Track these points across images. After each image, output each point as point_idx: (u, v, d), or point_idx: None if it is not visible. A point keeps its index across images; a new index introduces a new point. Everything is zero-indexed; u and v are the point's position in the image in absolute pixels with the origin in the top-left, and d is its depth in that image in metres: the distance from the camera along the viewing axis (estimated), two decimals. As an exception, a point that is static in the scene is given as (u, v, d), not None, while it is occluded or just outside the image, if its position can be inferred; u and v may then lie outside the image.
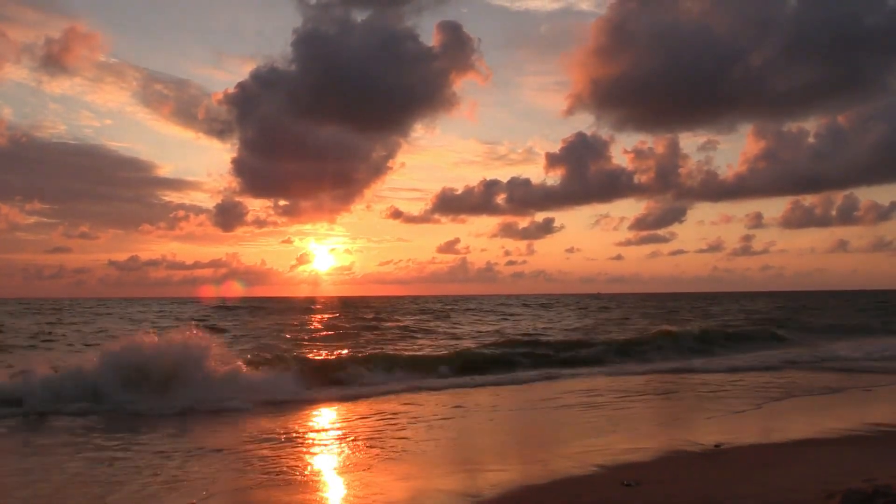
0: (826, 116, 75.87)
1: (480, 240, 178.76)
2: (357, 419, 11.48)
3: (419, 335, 30.37)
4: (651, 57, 58.79)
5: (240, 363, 14.80)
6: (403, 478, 7.57)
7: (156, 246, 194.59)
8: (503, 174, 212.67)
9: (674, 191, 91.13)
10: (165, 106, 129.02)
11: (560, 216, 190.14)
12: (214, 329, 32.48)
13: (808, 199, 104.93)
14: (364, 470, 7.94)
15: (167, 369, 13.34)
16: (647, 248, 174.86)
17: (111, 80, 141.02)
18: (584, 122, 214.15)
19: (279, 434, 10.16)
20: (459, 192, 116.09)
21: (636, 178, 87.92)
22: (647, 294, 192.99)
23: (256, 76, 64.09)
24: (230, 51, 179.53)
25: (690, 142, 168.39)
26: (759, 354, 22.71)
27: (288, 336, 29.22)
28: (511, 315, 50.04)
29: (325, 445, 9.48)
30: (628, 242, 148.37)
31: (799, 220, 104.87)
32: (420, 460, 8.47)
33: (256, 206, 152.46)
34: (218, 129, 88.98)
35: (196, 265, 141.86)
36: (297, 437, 9.93)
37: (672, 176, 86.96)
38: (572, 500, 6.40)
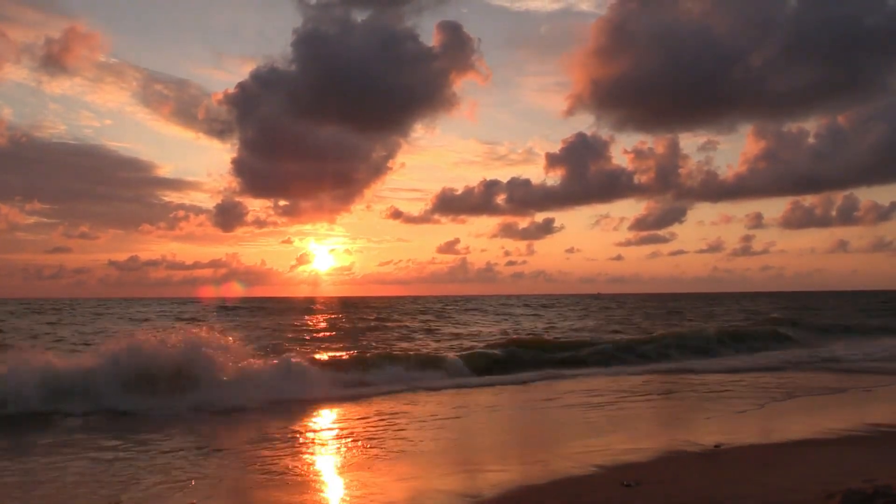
0: (826, 117, 75.93)
1: (480, 240, 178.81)
2: (357, 419, 11.49)
3: (422, 335, 30.38)
4: (651, 57, 58.86)
5: (244, 363, 14.78)
6: (403, 478, 7.57)
7: (156, 246, 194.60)
8: (503, 174, 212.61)
9: (674, 191, 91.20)
10: (165, 106, 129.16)
11: (560, 216, 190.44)
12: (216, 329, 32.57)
13: (809, 200, 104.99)
14: (364, 470, 7.94)
15: (171, 370, 13.36)
16: (647, 249, 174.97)
17: (111, 81, 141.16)
18: (585, 123, 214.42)
19: (280, 434, 10.16)
20: (459, 192, 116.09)
21: (636, 179, 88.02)
22: (647, 294, 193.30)
23: (256, 76, 64.22)
24: (230, 51, 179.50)
25: (690, 142, 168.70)
26: (761, 355, 22.77)
27: (290, 336, 29.21)
28: (513, 315, 50.06)
29: (326, 445, 9.49)
30: (628, 243, 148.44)
31: (799, 221, 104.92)
32: (420, 460, 8.47)
33: (256, 206, 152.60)
34: (218, 130, 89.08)
35: (196, 265, 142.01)
36: (297, 437, 9.93)
37: (672, 176, 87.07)
38: (572, 501, 6.40)
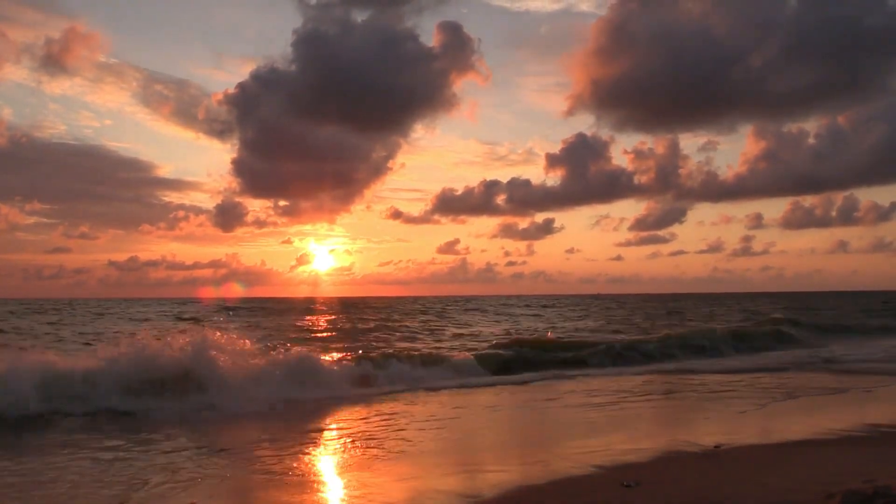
0: (826, 117, 75.91)
1: (480, 240, 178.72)
2: (357, 419, 11.49)
3: (425, 335, 30.38)
4: (651, 58, 58.88)
5: (248, 365, 14.78)
6: (403, 478, 7.57)
7: (156, 246, 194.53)
8: (503, 175, 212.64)
9: (674, 191, 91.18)
10: (165, 106, 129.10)
11: (560, 217, 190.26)
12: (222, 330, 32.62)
13: (809, 200, 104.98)
14: (364, 470, 7.95)
15: (177, 371, 13.41)
16: (648, 249, 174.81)
17: (111, 81, 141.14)
18: (585, 123, 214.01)
19: (281, 434, 10.18)
20: (459, 192, 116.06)
21: (636, 179, 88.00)
22: (647, 295, 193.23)
23: (256, 76, 64.25)
24: (230, 51, 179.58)
25: (690, 142, 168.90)
26: (762, 355, 22.80)
27: (293, 336, 29.20)
28: (514, 315, 50.09)
29: (326, 445, 9.49)
30: (628, 243, 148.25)
31: (799, 221, 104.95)
32: (420, 460, 8.47)
33: (256, 206, 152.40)
34: (218, 130, 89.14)
35: (196, 266, 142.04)
36: (298, 437, 9.94)
37: (672, 176, 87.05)
38: (572, 501, 6.40)
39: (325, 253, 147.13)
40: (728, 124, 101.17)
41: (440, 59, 63.47)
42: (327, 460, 8.65)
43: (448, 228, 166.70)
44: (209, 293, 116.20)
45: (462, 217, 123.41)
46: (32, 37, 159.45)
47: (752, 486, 6.64)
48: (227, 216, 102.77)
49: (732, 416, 11.46)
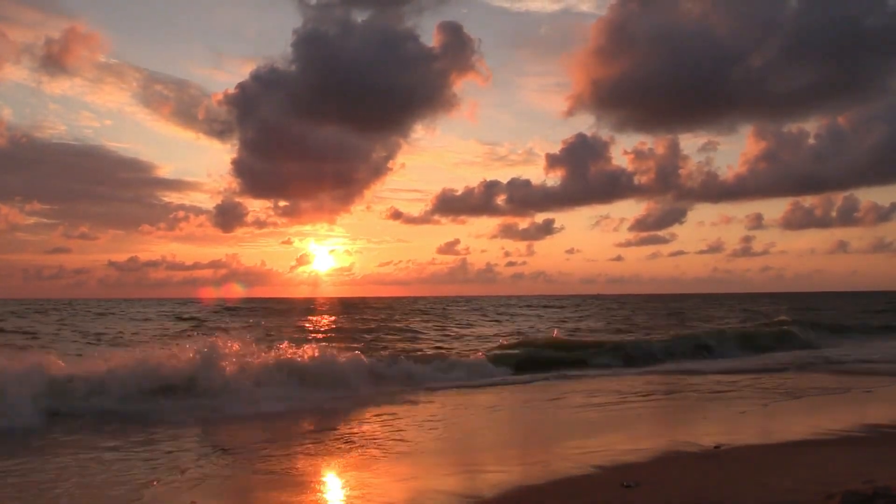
0: (826, 117, 75.63)
1: (480, 241, 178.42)
2: (358, 419, 11.50)
3: (428, 335, 30.39)
4: (651, 58, 58.82)
5: (252, 366, 14.81)
6: (403, 478, 7.58)
7: (156, 247, 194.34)
8: (503, 175, 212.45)
9: (674, 192, 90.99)
10: (165, 106, 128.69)
11: (560, 217, 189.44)
12: (220, 329, 32.72)
13: (809, 201, 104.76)
14: (364, 470, 7.95)
15: (184, 375, 13.51)
16: (648, 249, 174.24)
17: (111, 81, 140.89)
18: (585, 123, 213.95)
19: (282, 435, 10.19)
20: (459, 192, 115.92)
21: (636, 179, 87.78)
22: (647, 295, 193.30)
23: (256, 77, 64.12)
24: (230, 51, 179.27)
25: (691, 143, 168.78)
26: (765, 356, 22.81)
27: (297, 336, 29.19)
28: (516, 315, 50.10)
29: (326, 445, 9.49)
30: (628, 243, 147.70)
31: (799, 222, 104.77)
32: (420, 461, 8.48)
33: (256, 206, 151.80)
34: (218, 130, 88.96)
35: (196, 266, 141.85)
36: (298, 438, 9.95)
37: (672, 177, 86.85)
38: (572, 502, 6.41)
39: (325, 253, 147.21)
40: (728, 124, 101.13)
41: (440, 60, 63.47)
42: (327, 460, 8.65)
43: (448, 229, 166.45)
44: (209, 293, 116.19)
45: (462, 217, 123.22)
46: (32, 37, 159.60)
47: (752, 486, 6.64)
48: (227, 216, 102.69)
49: (733, 416, 11.46)
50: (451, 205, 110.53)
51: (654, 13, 60.08)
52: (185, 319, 43.07)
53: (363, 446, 9.27)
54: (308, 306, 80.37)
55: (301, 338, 28.46)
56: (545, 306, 73.79)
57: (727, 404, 12.75)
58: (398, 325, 38.17)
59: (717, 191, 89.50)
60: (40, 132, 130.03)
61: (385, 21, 62.74)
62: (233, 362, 14.28)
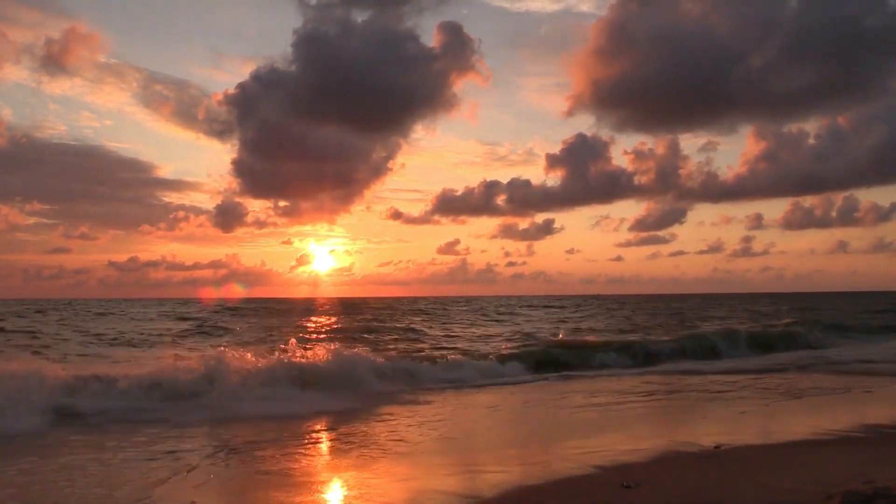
0: (826, 117, 75.41)
1: (480, 241, 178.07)
2: (358, 419, 11.51)
3: (429, 336, 30.37)
4: (651, 58, 58.72)
5: (255, 368, 14.83)
6: (403, 479, 7.59)
7: (156, 247, 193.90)
8: (503, 175, 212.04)
9: (674, 192, 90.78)
10: (165, 106, 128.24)
11: (560, 217, 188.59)
12: (223, 328, 32.83)
13: (809, 201, 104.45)
14: (364, 470, 7.96)
15: (188, 376, 13.67)
16: (648, 250, 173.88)
17: (111, 81, 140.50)
18: (585, 123, 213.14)
19: (282, 435, 10.19)
20: (459, 193, 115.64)
21: (636, 180, 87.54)
22: (647, 295, 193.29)
23: (257, 77, 63.94)
24: (230, 51, 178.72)
25: (691, 143, 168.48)
26: (768, 356, 22.81)
27: (298, 337, 29.17)
28: (518, 315, 50.08)
29: (326, 446, 9.51)
30: (628, 244, 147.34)
31: (799, 222, 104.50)
32: (420, 461, 8.49)
33: (256, 206, 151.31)
34: (218, 130, 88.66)
35: (196, 266, 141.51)
36: (299, 438, 9.96)
37: (672, 177, 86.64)
38: (572, 502, 6.41)
39: (325, 253, 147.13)
40: (728, 125, 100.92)
41: (440, 60, 63.37)
42: (328, 460, 8.67)
43: (448, 229, 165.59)
44: (209, 294, 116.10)
45: (462, 217, 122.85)
46: (32, 37, 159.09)
47: (752, 486, 6.65)
48: (227, 217, 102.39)
49: (733, 416, 11.47)
50: (452, 205, 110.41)
51: (654, 13, 60.06)
52: (186, 319, 43.09)
53: (363, 446, 9.28)
54: (308, 306, 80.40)
55: (302, 338, 28.47)
56: (546, 306, 73.75)
57: (727, 404, 12.76)
58: (399, 325, 38.17)
59: (717, 191, 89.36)
60: (40, 132, 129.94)
61: (385, 21, 62.72)
62: (236, 364, 14.30)
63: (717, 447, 8.72)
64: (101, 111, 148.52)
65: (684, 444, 8.94)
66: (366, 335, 30.67)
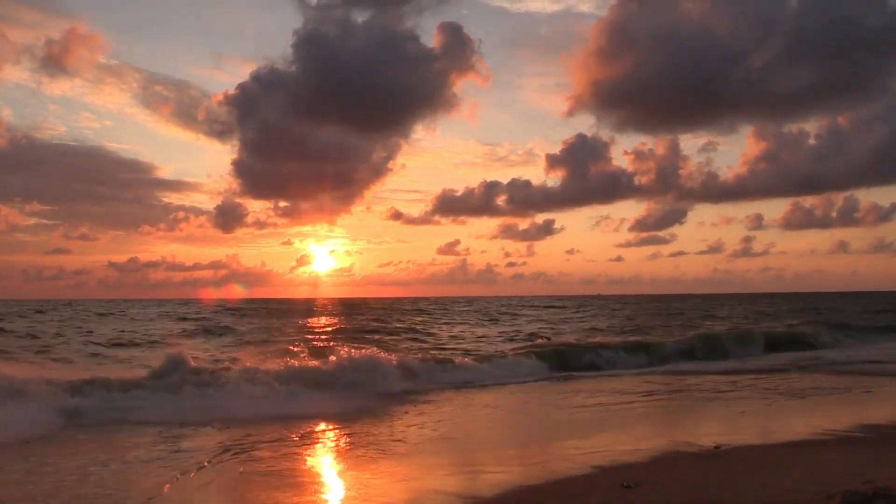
0: (826, 118, 75.33)
1: (480, 241, 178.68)
2: (358, 420, 11.51)
3: (430, 336, 30.37)
4: (651, 58, 58.65)
5: (260, 370, 14.84)
6: (403, 479, 7.60)
7: (156, 247, 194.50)
8: (503, 175, 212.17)
9: (674, 192, 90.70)
10: (165, 107, 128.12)
11: (560, 217, 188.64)
12: (225, 328, 32.91)
13: (809, 201, 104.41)
14: (364, 470, 7.97)
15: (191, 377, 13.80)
16: (648, 250, 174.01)
17: (111, 82, 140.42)
18: (585, 124, 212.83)
19: (283, 435, 10.19)
20: (460, 193, 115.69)
21: (636, 180, 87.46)
22: (648, 296, 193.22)
23: (257, 77, 63.86)
24: (230, 52, 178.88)
25: (691, 143, 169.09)
26: (770, 357, 22.79)
27: (298, 337, 29.20)
28: (520, 316, 50.06)
29: (326, 446, 9.52)
30: (628, 244, 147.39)
31: (799, 222, 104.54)
32: (420, 461, 8.50)
33: (256, 207, 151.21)
34: (218, 131, 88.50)
35: (196, 267, 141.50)
36: (300, 439, 9.96)
37: (672, 177, 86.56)
38: (572, 502, 6.42)
39: (325, 254, 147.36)
40: (728, 125, 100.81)
41: (440, 60, 63.28)
42: (328, 461, 8.68)
43: (448, 229, 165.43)
44: (209, 294, 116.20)
45: (462, 218, 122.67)
46: (32, 37, 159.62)
47: (752, 486, 6.65)
48: (228, 217, 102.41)
49: (733, 417, 11.46)
50: (452, 205, 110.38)
51: (655, 14, 60.01)
52: (187, 320, 43.10)
53: (364, 446, 9.28)
54: (309, 307, 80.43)
55: (305, 339, 28.49)
56: (548, 307, 73.74)
57: (727, 404, 12.76)
58: (400, 325, 38.18)
59: (718, 191, 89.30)
60: (40, 133, 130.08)
61: (385, 21, 62.64)
62: (239, 366, 14.34)
63: (717, 447, 8.72)
64: (101, 112, 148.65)
65: (684, 444, 8.94)
66: (367, 335, 30.69)
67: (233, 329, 33.49)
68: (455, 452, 9.20)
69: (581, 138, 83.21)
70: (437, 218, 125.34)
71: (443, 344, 26.49)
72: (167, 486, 7.25)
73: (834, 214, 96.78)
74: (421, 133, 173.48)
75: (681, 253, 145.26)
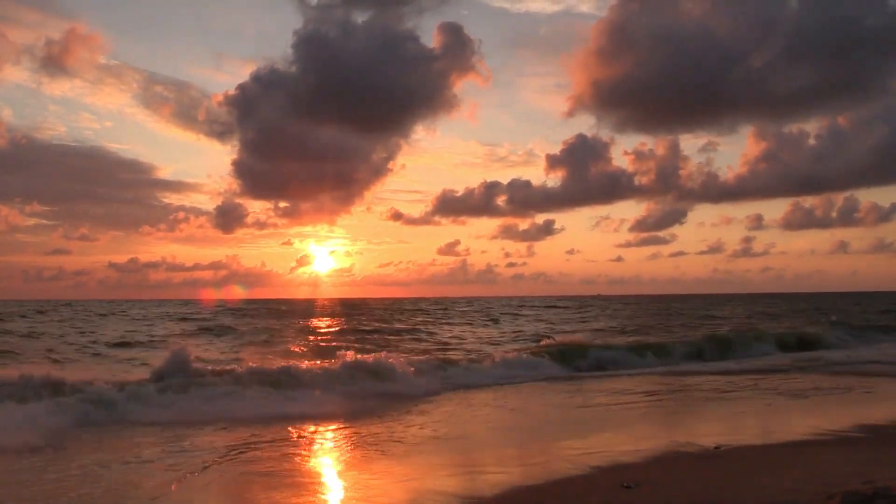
0: (826, 118, 75.47)
1: (481, 241, 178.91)
2: (358, 421, 11.53)
3: (431, 336, 30.38)
4: (652, 58, 58.70)
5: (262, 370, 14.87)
6: (403, 479, 7.61)
7: (156, 248, 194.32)
8: (503, 176, 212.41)
9: (674, 192, 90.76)
10: (166, 107, 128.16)
11: (560, 218, 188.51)
12: (225, 328, 32.93)
13: (809, 201, 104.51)
14: (364, 471, 7.98)
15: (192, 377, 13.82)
16: (648, 250, 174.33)
17: (111, 82, 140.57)
18: (585, 124, 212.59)
19: (284, 436, 10.21)
20: (460, 193, 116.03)
21: (636, 180, 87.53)
22: (648, 296, 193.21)
23: (257, 78, 63.93)
24: (230, 52, 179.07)
25: (691, 143, 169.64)
26: (771, 357, 22.78)
27: (299, 338, 29.23)
28: (521, 316, 50.08)
29: (327, 446, 9.53)
30: (629, 244, 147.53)
31: (799, 222, 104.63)
32: (420, 461, 8.51)
33: (256, 207, 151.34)
34: (218, 131, 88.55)
35: (196, 267, 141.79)
36: (298, 439, 9.98)
37: (672, 177, 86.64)
38: (572, 502, 6.43)
39: (325, 254, 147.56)
40: (728, 125, 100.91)
41: (441, 60, 63.34)
42: (329, 461, 8.69)
43: (448, 230, 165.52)
44: (210, 295, 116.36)
45: (462, 218, 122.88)
46: (33, 38, 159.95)
47: (751, 486, 6.65)
48: (228, 218, 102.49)
49: (733, 416, 11.47)
50: (452, 206, 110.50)
51: (655, 14, 60.10)
52: (188, 320, 43.13)
53: (364, 446, 9.30)
54: (309, 307, 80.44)
55: (303, 339, 28.52)
56: (549, 307, 73.77)
57: (727, 404, 12.77)
58: (401, 325, 38.18)
59: (718, 191, 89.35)
60: (40, 133, 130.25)
61: (385, 22, 62.74)
62: (241, 366, 14.36)
63: (717, 447, 8.72)
64: (102, 112, 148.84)
65: (684, 445, 8.95)
66: (368, 336, 30.71)
67: (233, 329, 33.53)
68: (455, 452, 9.22)
69: (581, 138, 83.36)
70: (437, 218, 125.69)
71: (445, 344, 26.52)
72: (173, 485, 7.28)
73: (834, 214, 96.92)
74: (421, 133, 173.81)
75: (681, 253, 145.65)
